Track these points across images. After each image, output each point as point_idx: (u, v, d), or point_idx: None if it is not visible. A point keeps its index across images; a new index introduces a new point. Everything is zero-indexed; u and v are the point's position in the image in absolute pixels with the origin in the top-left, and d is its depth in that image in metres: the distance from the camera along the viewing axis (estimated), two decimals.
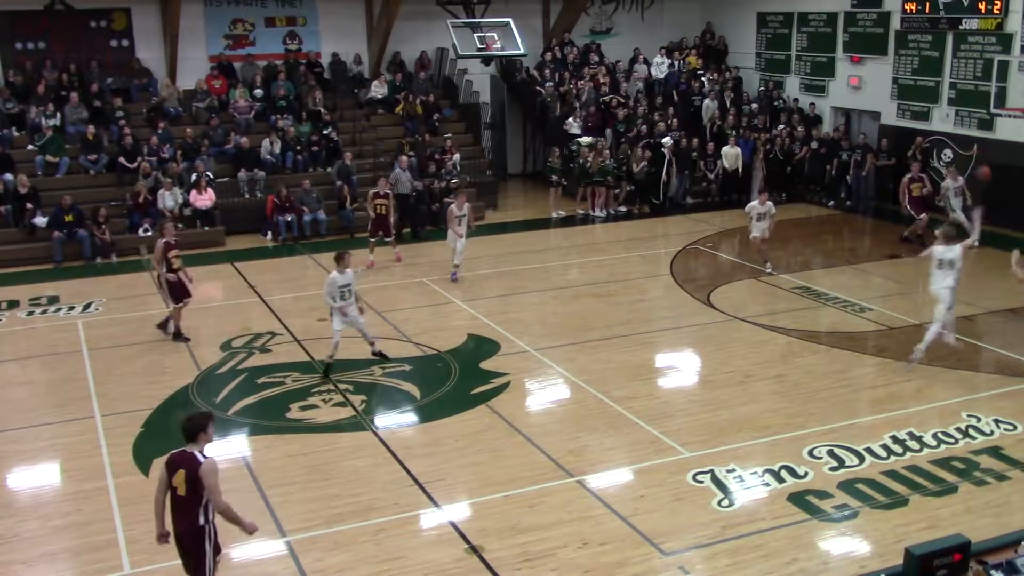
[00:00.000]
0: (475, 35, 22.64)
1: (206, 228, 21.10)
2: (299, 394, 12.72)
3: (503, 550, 9.02)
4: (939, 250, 12.88)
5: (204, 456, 7.49)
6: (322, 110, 23.96)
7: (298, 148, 23.00)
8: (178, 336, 14.93)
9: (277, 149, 22.80)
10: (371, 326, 15.48)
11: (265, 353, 14.29)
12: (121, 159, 21.54)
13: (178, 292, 14.81)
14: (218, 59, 25.03)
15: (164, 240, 14.73)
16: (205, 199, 21.15)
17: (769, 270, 17.79)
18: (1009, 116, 19.42)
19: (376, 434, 11.63)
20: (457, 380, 13.29)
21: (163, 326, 15.11)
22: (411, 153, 23.41)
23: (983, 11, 21.02)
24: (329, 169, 22.89)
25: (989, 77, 19.83)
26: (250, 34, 25.44)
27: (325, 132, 23.51)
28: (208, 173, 21.67)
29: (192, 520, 7.45)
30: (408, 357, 14.15)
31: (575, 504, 9.87)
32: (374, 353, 13.82)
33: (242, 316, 16.10)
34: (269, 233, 21.38)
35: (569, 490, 10.17)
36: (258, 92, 24.23)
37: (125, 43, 24.38)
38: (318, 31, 25.97)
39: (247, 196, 22.09)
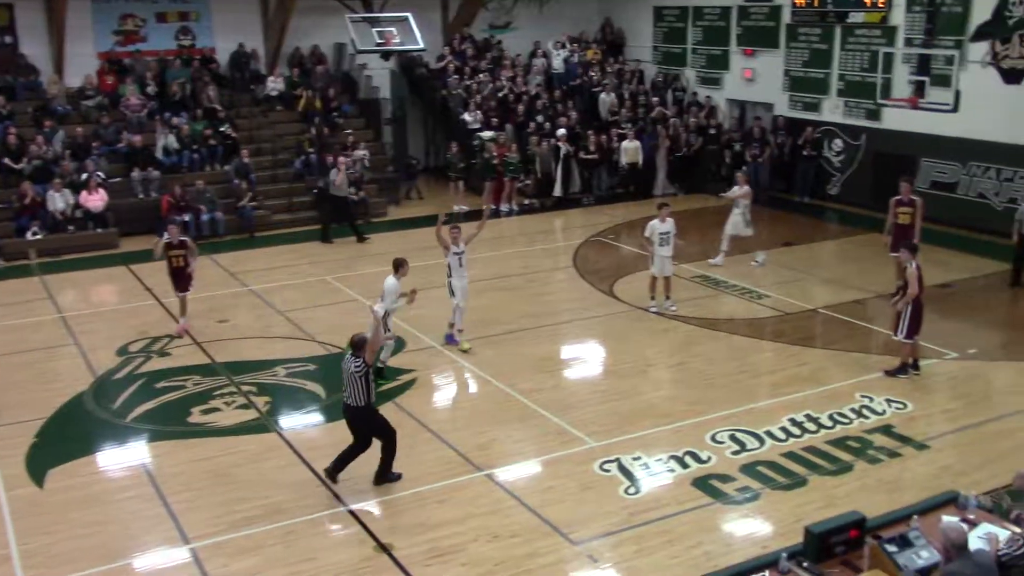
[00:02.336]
0: (374, 30, 22.38)
1: (98, 230, 20.43)
2: (200, 397, 12.46)
3: (413, 547, 9.00)
4: None
5: None
6: (218, 107, 23.46)
7: (194, 146, 22.47)
8: None
9: (173, 146, 22.22)
10: (273, 327, 15.30)
11: (164, 357, 13.96)
12: (6, 160, 20.72)
13: None
14: (108, 55, 24.27)
15: None
16: (96, 200, 20.46)
17: (654, 309, 15.58)
18: (895, 106, 20.11)
19: (281, 435, 11.47)
20: None
21: None
22: (311, 150, 23.15)
23: (868, 5, 21.75)
24: (227, 167, 22.43)
25: (875, 69, 20.52)
26: (141, 30, 24.73)
27: (221, 129, 23.02)
28: (99, 173, 20.98)
29: None
30: (313, 356, 13.99)
31: (484, 498, 9.91)
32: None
33: (139, 319, 15.68)
34: (165, 234, 20.75)
35: (478, 484, 10.20)
36: (151, 89, 23.58)
37: (8, 39, 23.45)
38: (211, 26, 25.38)
39: (141, 196, 21.46)
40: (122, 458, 11.03)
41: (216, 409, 12.16)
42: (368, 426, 10.11)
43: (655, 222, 15.42)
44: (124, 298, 17.18)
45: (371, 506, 9.86)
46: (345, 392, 10.00)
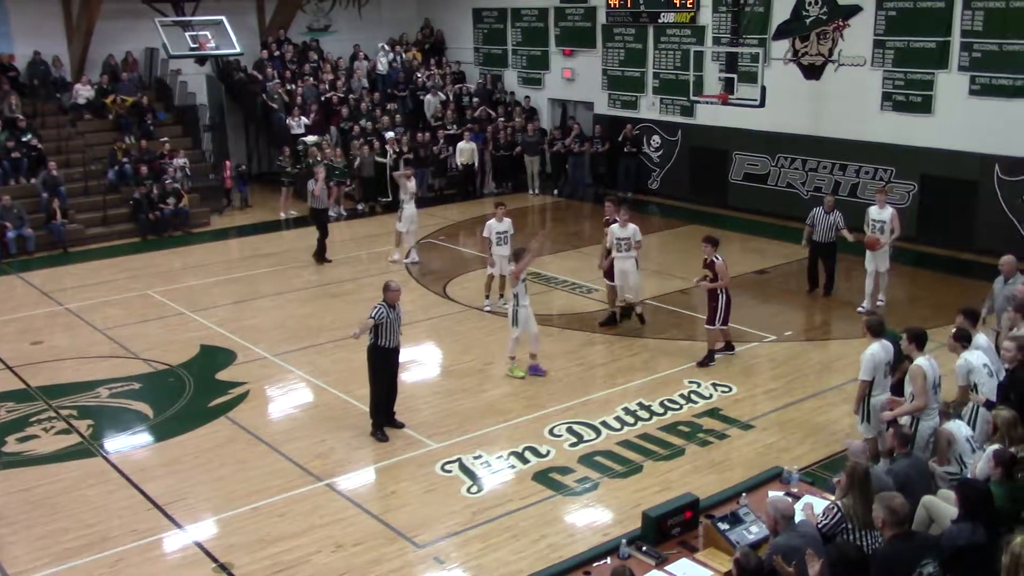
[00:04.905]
0: (187, 34, 21.63)
1: None
2: (15, 425, 11.72)
3: (253, 563, 8.76)
4: None
5: None
6: (20, 116, 22.11)
7: None
8: None
9: None
10: (94, 346, 14.57)
11: None
12: None
13: None
14: None
15: None
16: None
17: (488, 308, 15.67)
18: (706, 103, 20.99)
19: (107, 459, 10.93)
20: (192, 394, 12.73)
21: None
22: (125, 160, 22.17)
23: (678, 5, 22.61)
24: (33, 180, 21.17)
25: (687, 67, 21.33)
26: None
27: (25, 140, 21.72)
28: None
29: None
30: (138, 375, 13.39)
31: (326, 508, 9.74)
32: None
33: None
34: None
35: (319, 495, 10.02)
36: None
37: None
38: (9, 31, 23.84)
39: None
40: None
41: (34, 436, 11.47)
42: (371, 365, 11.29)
43: (492, 221, 15.51)
44: None
45: (207, 526, 9.52)
46: None
